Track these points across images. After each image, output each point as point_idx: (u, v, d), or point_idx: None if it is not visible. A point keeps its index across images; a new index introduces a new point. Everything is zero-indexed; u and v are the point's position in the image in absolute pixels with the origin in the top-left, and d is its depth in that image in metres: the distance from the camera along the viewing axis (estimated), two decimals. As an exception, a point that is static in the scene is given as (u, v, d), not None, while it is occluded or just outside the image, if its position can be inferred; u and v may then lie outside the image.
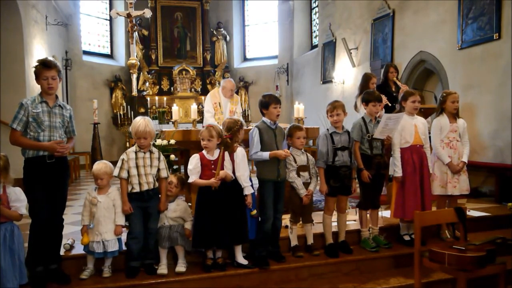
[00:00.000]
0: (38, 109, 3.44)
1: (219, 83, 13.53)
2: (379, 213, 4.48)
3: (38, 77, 3.48)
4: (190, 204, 4.80)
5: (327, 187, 4.09)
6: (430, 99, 7.51)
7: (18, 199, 3.24)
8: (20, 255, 3.24)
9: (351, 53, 10.02)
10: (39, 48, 8.74)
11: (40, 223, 3.45)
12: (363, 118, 4.34)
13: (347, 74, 10.28)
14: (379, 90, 5.23)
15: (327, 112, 4.18)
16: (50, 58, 3.65)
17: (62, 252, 3.73)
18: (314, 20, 13.06)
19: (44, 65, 3.46)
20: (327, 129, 4.19)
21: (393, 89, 6.12)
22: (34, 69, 3.50)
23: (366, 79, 5.96)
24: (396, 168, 4.32)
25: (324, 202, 4.30)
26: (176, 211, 3.86)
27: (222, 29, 14.08)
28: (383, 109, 5.19)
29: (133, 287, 3.58)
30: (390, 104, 5.76)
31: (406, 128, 4.34)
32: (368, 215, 4.40)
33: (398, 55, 8.37)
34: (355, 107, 5.90)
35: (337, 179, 4.09)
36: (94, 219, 3.66)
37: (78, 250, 3.82)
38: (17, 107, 3.44)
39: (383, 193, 4.54)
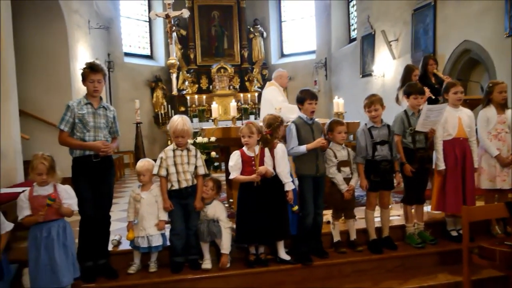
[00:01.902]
0: (83, 111, 3.57)
1: (257, 80, 13.60)
2: (425, 208, 4.37)
3: (85, 79, 3.61)
4: (231, 200, 4.85)
5: (367, 182, 4.02)
6: (476, 90, 7.23)
7: (70, 196, 3.36)
8: (73, 250, 3.37)
9: (391, 45, 9.80)
10: (82, 51, 9.05)
11: (88, 220, 3.58)
12: (405, 111, 4.24)
13: (387, 67, 10.06)
14: (420, 83, 5.08)
15: (364, 107, 4.10)
16: (97, 62, 3.77)
17: (110, 248, 3.86)
18: (351, 13, 12.86)
19: (91, 69, 3.58)
20: (365, 124, 4.12)
21: (434, 81, 5.93)
22: (81, 71, 3.62)
23: (408, 71, 5.79)
24: (438, 162, 4.19)
25: (366, 197, 4.24)
26: (213, 213, 3.86)
27: (258, 26, 14.09)
28: (426, 102, 5.04)
29: (178, 282, 3.66)
30: (433, 97, 5.59)
31: (449, 120, 4.20)
32: (413, 210, 4.29)
33: (441, 46, 8.11)
34: (397, 100, 5.76)
35: (377, 173, 4.01)
36: (138, 215, 3.76)
37: (125, 246, 3.93)
38: (64, 109, 3.58)
39: (428, 187, 4.41)
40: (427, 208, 4.46)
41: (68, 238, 3.32)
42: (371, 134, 4.02)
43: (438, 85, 5.71)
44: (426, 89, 5.03)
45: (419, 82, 5.57)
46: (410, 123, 4.15)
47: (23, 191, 3.39)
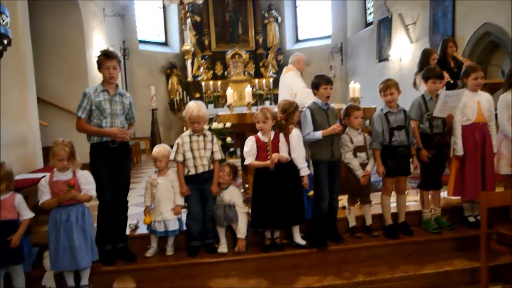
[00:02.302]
0: (100, 98, 3.61)
1: (272, 66, 13.51)
2: (441, 193, 4.33)
3: (100, 67, 3.64)
4: (247, 185, 4.88)
5: (383, 168, 3.99)
6: (496, 74, 7.08)
7: (88, 182, 3.41)
8: (91, 234, 3.44)
9: (408, 29, 9.62)
10: (98, 39, 9.10)
11: (106, 205, 3.65)
12: (422, 96, 4.18)
13: (404, 51, 9.89)
14: (439, 66, 4.99)
15: (380, 92, 4.05)
16: (111, 49, 3.79)
17: (128, 232, 3.92)
18: (368, -4, 12.65)
19: (106, 56, 3.61)
20: (381, 109, 4.07)
21: (453, 65, 5.82)
22: (96, 59, 3.66)
23: (426, 55, 5.69)
24: (456, 147, 4.13)
25: (382, 182, 4.21)
26: (229, 198, 3.89)
27: (273, 11, 13.95)
28: (445, 87, 4.95)
29: (194, 265, 3.71)
30: (452, 81, 5.49)
31: (468, 104, 4.12)
32: (429, 195, 4.26)
33: (460, 28, 7.93)
34: (414, 84, 5.67)
35: (394, 159, 3.98)
36: (155, 200, 3.81)
37: (143, 230, 4.00)
38: (81, 96, 3.62)
39: (445, 173, 4.36)
40: (443, 193, 4.42)
41: (86, 222, 3.39)
42: (388, 119, 3.98)
43: (457, 68, 5.61)
44: (445, 74, 4.94)
45: (438, 65, 5.47)
46: (428, 108, 4.09)
47: (43, 176, 3.46)
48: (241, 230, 3.82)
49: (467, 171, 4.12)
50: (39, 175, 4.26)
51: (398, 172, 4.06)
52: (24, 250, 3.22)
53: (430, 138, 4.08)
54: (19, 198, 3.25)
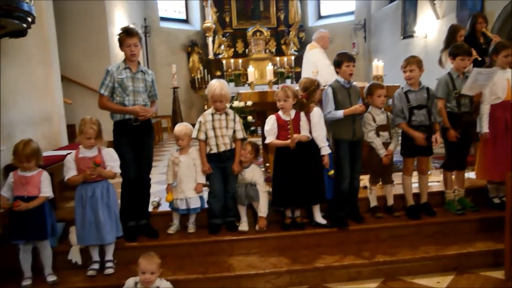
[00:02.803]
0: (122, 75, 3.62)
1: (293, 43, 13.34)
2: (466, 174, 4.25)
3: (121, 44, 3.64)
4: (268, 164, 4.88)
5: (421, 133, 3.84)
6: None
7: (113, 159, 3.46)
8: (115, 210, 3.51)
9: (434, 4, 9.33)
10: (120, 17, 9.11)
11: (130, 182, 3.70)
12: (449, 73, 4.06)
13: (430, 28, 9.62)
14: (466, 43, 4.83)
15: (401, 68, 3.96)
16: (132, 26, 3.79)
17: (150, 209, 3.99)
18: (393, -30, 12.26)
19: (127, 33, 3.60)
20: (402, 87, 3.98)
21: (482, 41, 5.63)
22: (118, 37, 3.66)
23: (453, 31, 5.52)
24: (483, 126, 4.02)
25: (402, 162, 4.16)
26: (251, 177, 3.89)
27: (295, -13, 13.69)
28: (472, 64, 4.80)
29: (215, 242, 3.76)
30: (479, 58, 5.32)
31: (497, 82, 3.98)
32: (453, 176, 4.18)
33: (490, 3, 7.64)
34: (440, 62, 5.53)
35: (414, 140, 3.91)
36: (177, 178, 3.84)
37: (165, 207, 4.06)
38: (104, 73, 3.64)
39: (470, 153, 4.27)
40: (468, 174, 4.34)
41: (111, 198, 3.45)
42: (407, 98, 3.89)
43: (486, 45, 5.43)
44: (473, 51, 4.78)
45: (467, 41, 5.30)
46: (455, 86, 3.98)
47: (69, 153, 3.52)
48: (262, 208, 3.84)
49: (497, 152, 3.99)
50: (64, 152, 4.36)
51: (419, 152, 4.00)
52: (48, 227, 3.29)
53: (458, 117, 3.97)
54: (45, 176, 3.32)
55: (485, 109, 4.01)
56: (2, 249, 3.57)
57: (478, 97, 3.97)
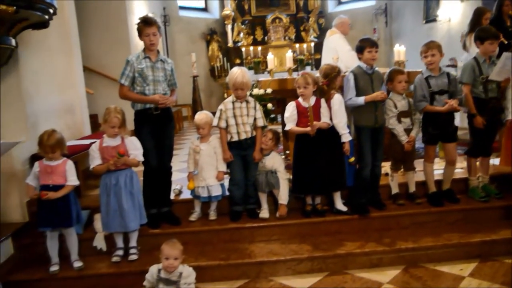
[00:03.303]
0: (142, 65, 3.65)
1: (313, 30, 13.18)
2: (490, 161, 4.16)
3: (140, 34, 3.66)
4: (288, 151, 4.88)
5: (447, 105, 3.73)
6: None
7: (136, 147, 3.50)
8: (139, 198, 3.56)
9: (459, -14, 9.09)
10: (139, 6, 9.15)
11: (151, 170, 3.75)
12: (475, 58, 3.96)
13: (454, 11, 9.39)
14: (492, 26, 4.70)
15: (421, 54, 3.88)
16: (150, 15, 3.80)
17: (172, 196, 4.04)
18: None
19: (145, 23, 3.62)
20: (422, 73, 3.90)
21: (509, 24, 5.46)
22: (136, 26, 3.68)
23: (478, 14, 5.37)
24: (510, 111, 3.92)
25: (424, 149, 4.09)
26: (271, 164, 3.90)
27: (314, -28, 13.49)
28: (498, 48, 4.67)
29: (236, 229, 3.79)
30: (505, 42, 5.17)
31: (525, 67, 3.88)
32: (477, 163, 4.11)
33: (516, -15, 7.38)
34: (464, 46, 5.40)
35: (436, 126, 3.84)
36: (198, 166, 3.88)
37: (186, 195, 4.10)
38: (124, 63, 3.68)
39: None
40: (492, 160, 4.25)
41: (134, 186, 3.50)
42: (428, 83, 3.82)
43: (512, 28, 5.28)
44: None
45: (493, 24, 5.15)
46: (482, 71, 3.88)
47: (92, 142, 3.58)
48: (283, 196, 3.85)
49: None
50: (87, 141, 4.44)
51: (442, 139, 3.93)
52: (73, 214, 3.36)
53: (485, 103, 3.88)
54: (69, 164, 3.39)
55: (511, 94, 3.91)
56: (30, 237, 3.69)
57: (507, 83, 3.87)
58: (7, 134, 3.74)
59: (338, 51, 5.22)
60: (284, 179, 3.86)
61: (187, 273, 2.98)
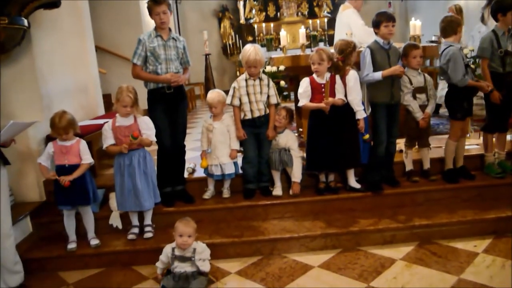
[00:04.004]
0: (154, 44, 3.63)
1: (326, 5, 12.93)
2: (507, 136, 4.09)
3: (151, 13, 3.63)
4: (301, 129, 4.85)
5: (484, 83, 3.74)
6: None
7: (148, 127, 3.51)
8: (153, 177, 3.59)
9: (477, -43, 8.77)
10: (150, -17, 9.05)
11: (165, 149, 3.78)
12: (493, 31, 3.84)
13: (471, -17, 9.09)
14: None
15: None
16: None
17: (185, 175, 4.06)
18: None
19: (155, 1, 3.58)
20: (457, 47, 3.78)
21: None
22: (146, 5, 3.65)
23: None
24: None
25: (450, 126, 4.02)
26: (285, 142, 3.89)
27: None
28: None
29: (250, 207, 3.82)
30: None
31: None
32: (494, 139, 4.04)
33: (538, -46, 7.11)
34: (482, 19, 5.25)
35: (468, 100, 3.76)
36: (211, 145, 3.88)
37: (200, 173, 4.13)
38: (136, 43, 3.66)
39: None
40: (509, 136, 4.17)
41: (148, 166, 3.53)
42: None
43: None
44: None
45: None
46: (500, 45, 3.78)
47: (106, 122, 3.61)
48: (296, 174, 3.85)
49: None
50: (101, 121, 4.47)
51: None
52: (90, 193, 3.42)
53: (502, 77, 3.79)
54: (83, 144, 3.42)
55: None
56: (47, 215, 3.77)
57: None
58: (22, 115, 3.78)
59: (352, 27, 5.10)
60: (297, 157, 3.86)
61: (201, 249, 3.02)
